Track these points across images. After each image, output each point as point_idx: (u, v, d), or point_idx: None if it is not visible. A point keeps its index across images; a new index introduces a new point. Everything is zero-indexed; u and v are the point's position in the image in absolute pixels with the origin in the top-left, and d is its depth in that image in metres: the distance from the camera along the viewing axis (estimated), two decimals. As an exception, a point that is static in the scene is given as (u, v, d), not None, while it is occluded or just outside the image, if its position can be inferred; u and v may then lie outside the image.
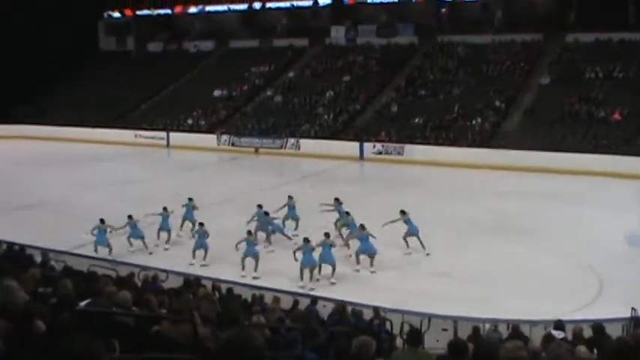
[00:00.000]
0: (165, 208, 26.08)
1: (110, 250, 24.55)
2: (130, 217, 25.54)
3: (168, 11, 68.93)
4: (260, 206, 26.10)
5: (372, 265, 22.55)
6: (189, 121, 54.10)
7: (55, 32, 59.58)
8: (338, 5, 60.27)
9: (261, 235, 25.44)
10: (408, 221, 24.20)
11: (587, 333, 12.77)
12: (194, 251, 23.64)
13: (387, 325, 15.61)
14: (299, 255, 21.47)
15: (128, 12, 70.32)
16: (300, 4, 62.21)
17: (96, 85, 62.71)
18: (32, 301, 7.60)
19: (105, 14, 71.10)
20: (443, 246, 24.41)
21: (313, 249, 21.53)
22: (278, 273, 22.06)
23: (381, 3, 58.62)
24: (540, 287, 19.85)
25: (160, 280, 18.47)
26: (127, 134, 53.51)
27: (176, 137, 51.91)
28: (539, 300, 18.59)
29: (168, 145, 51.99)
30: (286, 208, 26.86)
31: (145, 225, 25.48)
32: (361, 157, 44.50)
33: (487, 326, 15.33)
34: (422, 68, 52.80)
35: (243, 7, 64.99)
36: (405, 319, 16.09)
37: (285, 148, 47.22)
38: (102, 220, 25.05)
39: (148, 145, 51.44)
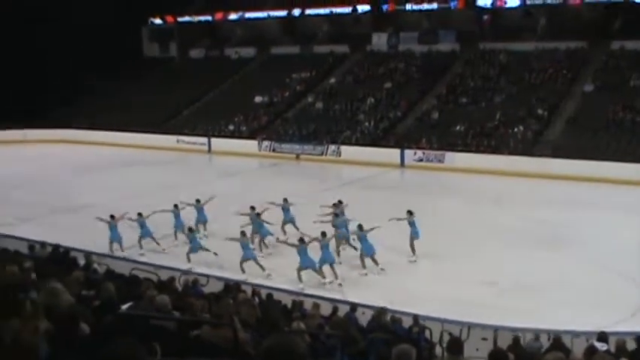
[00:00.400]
0: (176, 206, 26.67)
1: (121, 246, 25.30)
2: (139, 214, 26.08)
3: (209, 18, 69.30)
4: (253, 208, 26.29)
5: (376, 264, 22.80)
6: (231, 127, 54.41)
7: (99, 37, 60.39)
8: (379, 12, 60.18)
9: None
10: (412, 223, 24.18)
11: (631, 346, 12.61)
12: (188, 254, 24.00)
13: (427, 333, 15.56)
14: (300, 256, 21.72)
15: (170, 18, 70.92)
16: (340, 10, 62.19)
17: (139, 90, 63.40)
18: (76, 304, 7.71)
19: (149, 21, 71.79)
20: (484, 254, 24.29)
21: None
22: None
23: (423, 10, 58.31)
24: (582, 298, 19.66)
25: (201, 285, 18.61)
26: (169, 139, 53.97)
27: (217, 143, 52.24)
28: (581, 311, 18.42)
29: (209, 150, 52.35)
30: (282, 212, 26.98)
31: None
32: (402, 164, 44.36)
33: (528, 336, 15.19)
34: (463, 75, 52.55)
35: (283, 13, 65.12)
36: (444, 327, 16.01)
37: (325, 154, 47.26)
38: (112, 216, 25.75)
39: (189, 150, 51.86)
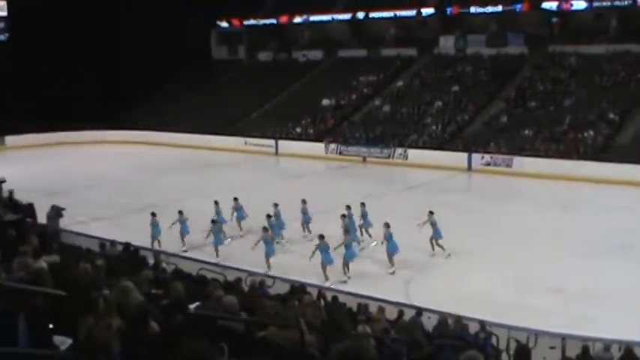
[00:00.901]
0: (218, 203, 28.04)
1: (159, 242, 26.48)
2: (180, 212, 27.19)
3: (274, 21, 69.63)
4: (276, 205, 27.32)
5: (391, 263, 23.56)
6: (298, 130, 54.65)
7: (169, 40, 61.38)
8: (446, 15, 59.75)
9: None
10: (434, 223, 24.97)
11: None
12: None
13: (493, 340, 15.38)
14: (318, 253, 22.43)
15: (235, 22, 71.50)
16: (403, 13, 61.85)
17: (208, 92, 64.17)
18: (146, 302, 7.83)
19: (217, 24, 72.54)
20: (550, 260, 23.92)
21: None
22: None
23: (488, 13, 57.65)
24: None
25: (267, 286, 18.72)
26: (238, 141, 54.48)
27: (285, 145, 52.54)
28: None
29: (276, 152, 52.65)
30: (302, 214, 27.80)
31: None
32: (469, 168, 43.95)
33: (597, 346, 14.86)
34: (532, 79, 51.83)
35: (346, 16, 65.09)
36: (510, 334, 15.79)
37: (392, 157, 47.11)
38: (153, 214, 27.03)
39: (257, 152, 52.22)
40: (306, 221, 28.06)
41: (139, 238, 26.33)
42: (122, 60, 62.65)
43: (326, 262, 22.36)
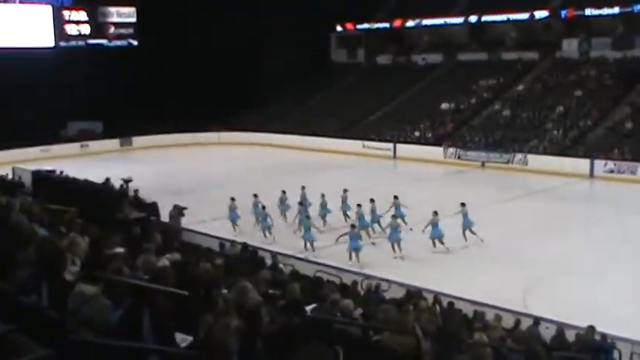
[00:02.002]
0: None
1: (235, 227, 29.47)
2: (255, 195, 29.83)
3: (387, 25, 69.43)
4: (372, 200, 28.95)
5: (442, 243, 26.12)
6: (416, 133, 54.39)
7: (288, 43, 62.21)
8: (567, 18, 58.12)
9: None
10: (465, 214, 27.03)
11: None
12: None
13: (615, 355, 14.90)
14: (346, 238, 25.20)
15: (349, 25, 71.61)
16: (517, 17, 60.47)
17: (327, 95, 64.71)
18: (263, 303, 7.97)
19: (337, 28, 72.92)
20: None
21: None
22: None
23: (617, 14, 55.70)
24: None
25: (382, 290, 18.70)
26: (356, 144, 54.67)
27: (403, 149, 52.37)
28: None
29: (394, 156, 52.54)
30: (393, 208, 28.85)
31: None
32: (591, 175, 42.66)
33: None
34: (660, 83, 49.95)
35: (459, 20, 64.30)
36: (634, 349, 15.26)
37: (512, 163, 46.28)
38: (232, 199, 29.68)
39: (374, 155, 52.22)
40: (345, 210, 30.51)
41: (258, 238, 26.89)
42: (244, 65, 64.05)
43: (352, 249, 24.84)
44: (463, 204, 27.27)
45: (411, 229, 26.94)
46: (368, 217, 28.35)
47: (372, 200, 28.95)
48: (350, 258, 24.76)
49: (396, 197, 29.41)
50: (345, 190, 31.16)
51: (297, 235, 28.12)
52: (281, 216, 30.97)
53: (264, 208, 29.43)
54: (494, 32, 64.31)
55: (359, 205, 28.17)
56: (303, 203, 30.23)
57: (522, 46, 61.14)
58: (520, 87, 56.46)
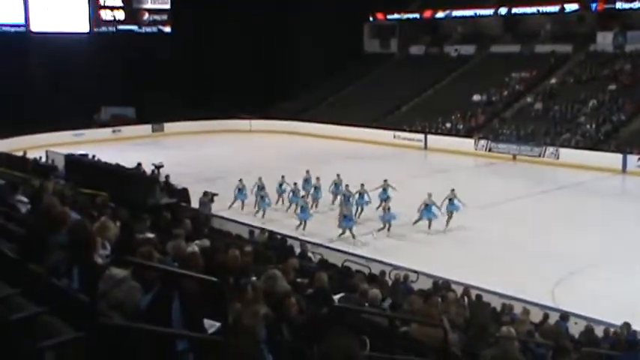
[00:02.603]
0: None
1: (242, 206, 31.27)
2: (240, 180, 31.23)
3: (417, 15, 69.10)
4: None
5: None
6: (448, 125, 54.11)
7: (323, 33, 62.15)
8: (606, 10, 57.36)
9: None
10: (452, 199, 28.44)
11: None
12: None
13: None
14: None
15: (381, 15, 71.36)
16: (547, 9, 59.80)
17: (359, 85, 64.59)
18: (292, 291, 7.98)
19: (370, 18, 72.67)
20: None
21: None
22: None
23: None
24: None
25: (411, 281, 18.67)
26: (387, 135, 54.53)
27: (434, 140, 52.12)
28: None
29: (425, 147, 52.32)
30: (381, 189, 30.93)
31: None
32: (623, 170, 42.19)
33: None
34: (697, 78, 49.23)
35: (489, 12, 63.76)
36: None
37: (543, 156, 45.89)
38: (240, 180, 31.28)
39: (405, 146, 52.03)
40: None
41: (287, 226, 26.93)
42: (277, 52, 64.27)
43: (345, 225, 27.12)
44: (453, 190, 28.74)
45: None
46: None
47: (362, 185, 30.64)
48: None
49: (385, 181, 31.20)
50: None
51: (326, 223, 28.28)
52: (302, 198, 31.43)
53: (293, 192, 31.10)
54: (528, 24, 63.67)
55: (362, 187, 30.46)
56: (304, 186, 32.52)
57: (556, 39, 60.49)
58: (553, 80, 55.91)
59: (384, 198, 30.01)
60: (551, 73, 57.18)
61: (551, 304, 18.91)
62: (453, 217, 28.28)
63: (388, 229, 27.78)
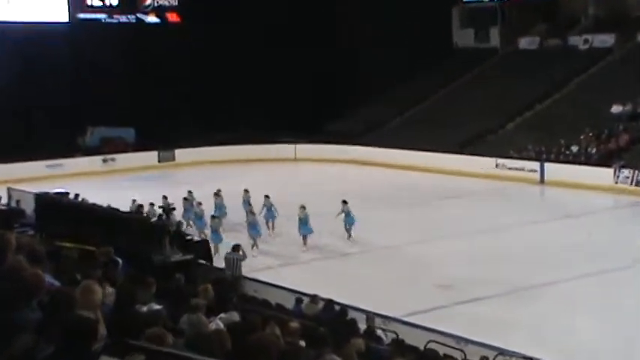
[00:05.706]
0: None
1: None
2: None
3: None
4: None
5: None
6: (574, 148, 53.66)
7: (390, 22, 62.39)
8: None
9: None
10: (347, 212, 35.98)
11: None
12: None
13: None
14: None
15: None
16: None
17: (444, 94, 64.60)
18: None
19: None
20: None
21: None
22: None
23: None
24: None
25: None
26: (485, 163, 54.37)
27: (554, 169, 51.63)
28: None
29: (542, 180, 51.92)
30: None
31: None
32: None
33: None
34: None
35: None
36: None
37: None
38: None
39: (513, 178, 51.67)
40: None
41: (345, 291, 26.75)
42: (327, 52, 64.43)
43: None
44: (345, 201, 36.00)
45: None
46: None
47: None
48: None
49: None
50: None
51: (397, 292, 28.05)
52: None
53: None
54: None
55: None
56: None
57: None
58: None
59: None
60: None
61: None
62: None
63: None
